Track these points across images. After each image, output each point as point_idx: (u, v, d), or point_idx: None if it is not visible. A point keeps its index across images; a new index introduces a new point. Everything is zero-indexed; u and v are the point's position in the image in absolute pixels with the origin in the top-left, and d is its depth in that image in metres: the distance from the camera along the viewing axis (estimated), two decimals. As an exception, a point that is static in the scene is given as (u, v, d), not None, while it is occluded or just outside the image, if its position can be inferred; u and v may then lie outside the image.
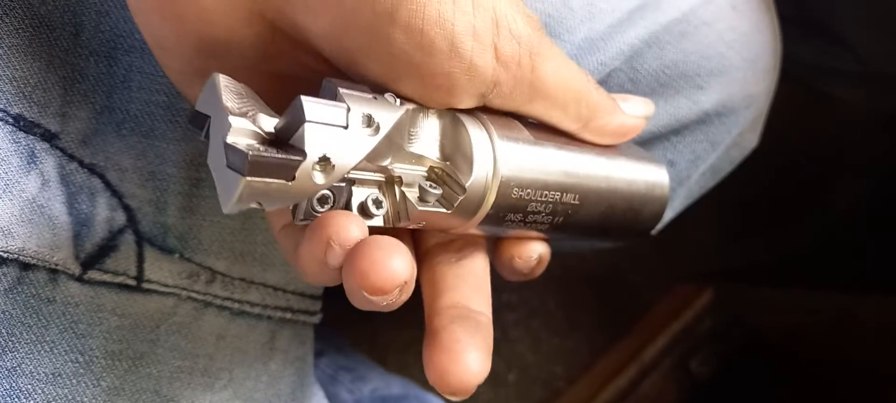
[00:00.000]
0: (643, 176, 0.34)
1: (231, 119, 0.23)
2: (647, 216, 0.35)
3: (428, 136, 0.28)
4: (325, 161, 0.24)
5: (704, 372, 1.02)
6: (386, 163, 0.27)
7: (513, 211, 0.29)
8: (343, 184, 0.26)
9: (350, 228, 0.24)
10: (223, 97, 0.24)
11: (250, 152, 0.22)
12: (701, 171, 0.50)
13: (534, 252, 0.32)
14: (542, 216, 0.31)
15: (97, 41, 0.32)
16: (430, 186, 0.28)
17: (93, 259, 0.32)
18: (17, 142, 0.30)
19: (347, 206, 0.27)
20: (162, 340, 0.34)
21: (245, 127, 0.23)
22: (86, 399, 0.32)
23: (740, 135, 0.50)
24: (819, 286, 0.95)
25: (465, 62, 0.25)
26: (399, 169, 0.27)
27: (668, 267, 1.03)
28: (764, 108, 0.52)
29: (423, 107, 0.27)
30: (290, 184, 0.23)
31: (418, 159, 0.28)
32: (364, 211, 0.27)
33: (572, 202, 0.31)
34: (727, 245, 1.00)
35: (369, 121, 0.25)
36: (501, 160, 0.28)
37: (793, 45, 0.54)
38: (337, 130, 0.24)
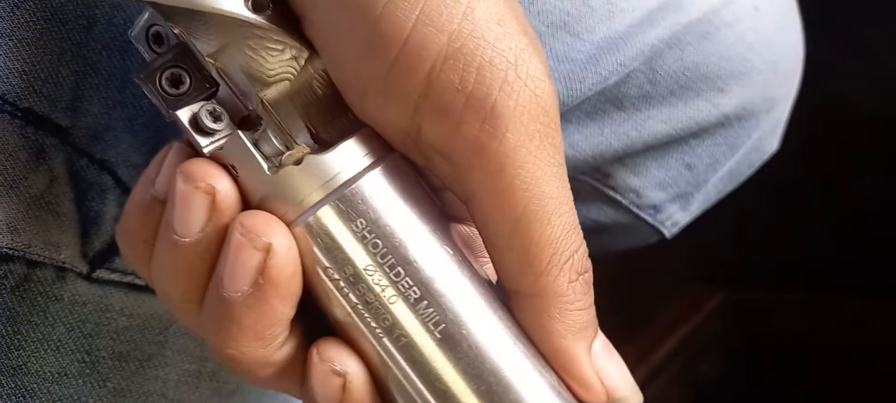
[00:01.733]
0: None
1: None
2: None
3: (324, 109, 0.24)
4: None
5: (713, 375, 1.01)
6: (259, 84, 0.23)
7: (321, 263, 0.23)
8: (206, 83, 0.23)
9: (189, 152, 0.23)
10: None
11: None
12: (719, 175, 0.49)
13: (340, 359, 0.24)
14: (356, 306, 0.23)
15: (110, 35, 0.31)
16: (273, 136, 0.23)
17: (101, 257, 0.32)
18: (26, 138, 0.30)
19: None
20: (170, 342, 0.33)
21: None
22: (91, 400, 0.32)
23: (760, 138, 0.50)
24: (830, 289, 0.95)
25: (378, 70, 0.22)
26: (266, 107, 0.24)
27: (677, 270, 1.02)
28: (785, 112, 0.51)
29: None
30: None
31: (291, 113, 0.24)
32: (195, 120, 0.23)
33: (405, 332, 0.23)
34: (737, 248, 0.99)
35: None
36: (353, 186, 0.22)
37: (808, 46, 0.53)
38: None
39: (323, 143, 0.24)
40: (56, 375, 0.31)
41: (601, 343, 0.25)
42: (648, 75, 0.42)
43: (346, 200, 0.22)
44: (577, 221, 0.23)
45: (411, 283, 0.23)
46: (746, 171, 0.52)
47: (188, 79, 0.23)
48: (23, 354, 0.30)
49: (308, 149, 0.23)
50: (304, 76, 0.24)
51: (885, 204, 0.92)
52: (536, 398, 0.24)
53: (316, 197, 0.22)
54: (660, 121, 0.43)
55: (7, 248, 0.29)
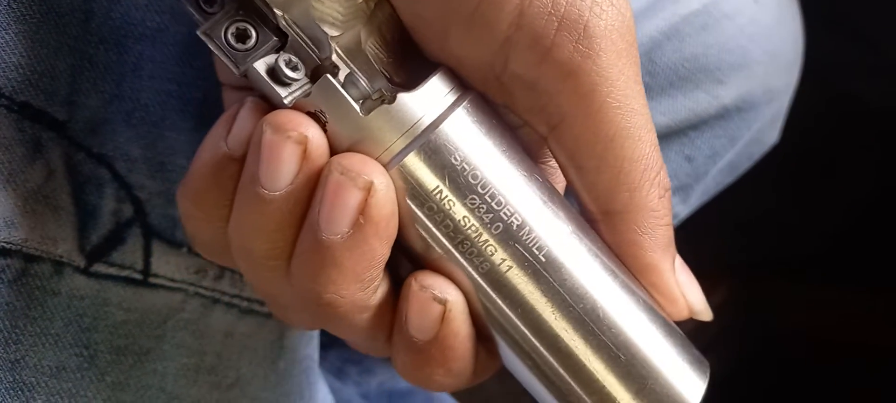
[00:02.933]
0: (659, 362, 0.24)
1: None
2: None
3: (398, 52, 0.24)
4: None
5: (718, 370, 1.01)
6: (330, 31, 0.23)
7: (411, 212, 0.23)
8: (273, 34, 0.23)
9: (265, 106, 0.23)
10: None
11: None
12: (719, 167, 0.49)
13: (442, 286, 0.23)
14: (445, 254, 0.23)
15: (107, 28, 0.31)
16: (352, 83, 0.23)
17: (99, 251, 0.31)
18: (23, 131, 0.30)
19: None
20: (168, 336, 0.33)
21: None
22: (90, 394, 0.32)
23: (760, 130, 0.49)
24: (834, 283, 0.94)
25: (466, 5, 0.21)
26: (339, 56, 0.23)
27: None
28: (785, 104, 0.51)
29: None
30: None
31: (365, 59, 0.23)
32: (273, 72, 0.23)
33: (499, 268, 0.23)
34: (742, 241, 0.99)
35: None
36: (436, 131, 0.22)
37: (815, 41, 0.53)
38: None
39: (399, 87, 0.23)
40: (54, 369, 0.31)
41: (679, 261, 0.25)
42: (647, 67, 0.42)
43: (441, 136, 0.22)
44: (656, 138, 0.23)
45: (512, 211, 0.23)
46: (746, 163, 0.52)
47: (254, 33, 0.23)
48: (21, 348, 0.30)
49: (394, 90, 0.23)
50: (374, 21, 0.24)
51: (890, 197, 0.92)
52: (633, 312, 0.24)
53: (408, 137, 0.22)
54: (659, 112, 0.43)
55: (4, 242, 0.29)
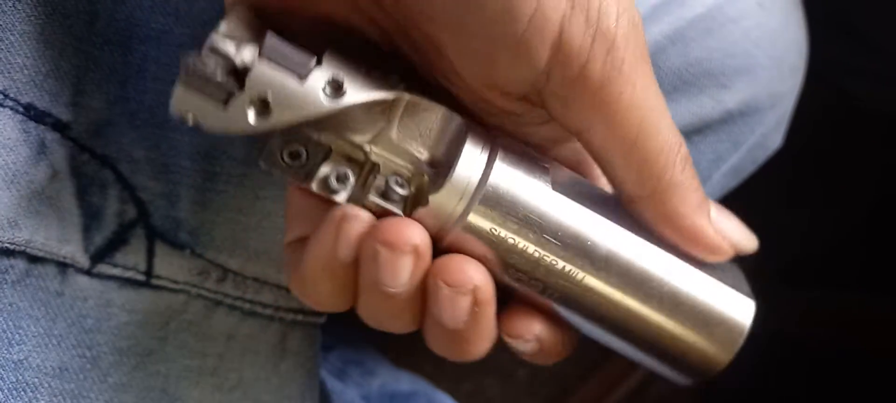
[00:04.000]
0: (709, 300, 0.27)
1: (213, 36, 0.23)
2: (695, 359, 0.27)
3: (426, 134, 0.27)
4: (263, 102, 0.23)
5: (720, 374, 1.01)
6: (362, 140, 0.26)
7: (487, 254, 0.26)
8: (319, 147, 0.26)
9: (362, 213, 0.25)
10: (225, 21, 0.24)
11: (190, 60, 0.23)
12: (722, 172, 0.49)
13: (526, 330, 0.27)
14: (527, 278, 0.26)
15: (112, 30, 0.31)
16: (397, 184, 0.26)
17: (102, 252, 0.31)
18: (27, 132, 0.30)
19: (368, 191, 0.26)
20: (171, 338, 0.33)
21: (221, 47, 0.23)
22: (92, 395, 0.32)
23: (764, 134, 0.49)
24: (836, 287, 0.94)
25: (510, 36, 0.23)
26: (377, 154, 0.26)
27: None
28: (789, 108, 0.51)
29: (432, 101, 0.26)
30: (222, 110, 0.23)
31: (399, 152, 0.26)
32: (325, 184, 0.26)
33: (575, 279, 0.26)
34: (743, 245, 0.98)
35: (336, 86, 0.24)
36: (486, 187, 0.25)
37: (817, 44, 0.53)
38: (290, 78, 0.23)
39: (435, 157, 0.26)
40: (57, 370, 0.31)
41: (716, 209, 0.28)
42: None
43: (489, 194, 0.25)
44: (670, 117, 0.26)
45: (565, 226, 0.26)
46: (750, 168, 0.52)
47: (304, 151, 0.26)
48: (24, 349, 0.30)
49: (430, 175, 0.26)
50: (395, 111, 0.26)
51: (891, 202, 0.92)
52: (682, 274, 0.27)
53: (463, 205, 0.25)
54: None
55: (8, 243, 0.29)
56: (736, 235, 0.29)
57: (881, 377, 0.89)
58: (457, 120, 0.26)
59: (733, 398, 1.01)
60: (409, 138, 0.26)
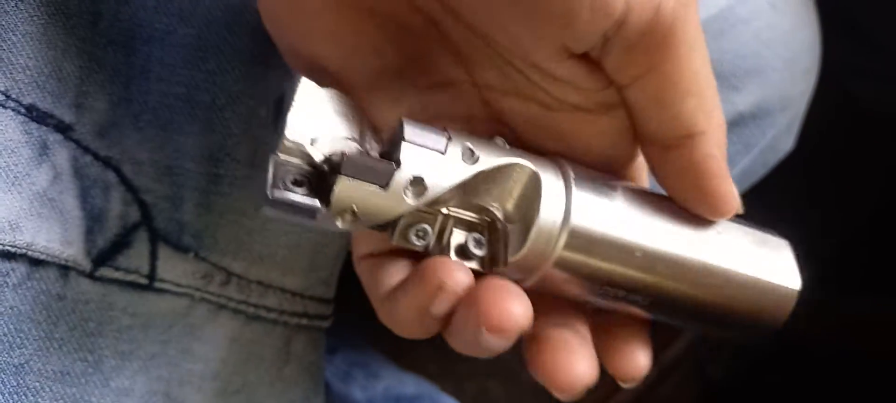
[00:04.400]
0: (761, 273, 0.29)
1: (286, 138, 0.24)
2: (767, 320, 0.30)
3: (499, 187, 0.27)
4: (418, 182, 0.25)
5: (723, 376, 1.00)
6: (480, 201, 0.27)
7: (572, 286, 0.28)
8: (439, 218, 0.27)
9: (460, 273, 0.25)
10: (292, 109, 0.25)
11: (347, 151, 0.24)
12: (733, 174, 0.48)
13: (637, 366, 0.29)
14: (613, 294, 0.28)
15: (116, 30, 0.31)
16: (476, 243, 0.27)
17: (105, 255, 0.31)
18: (29, 133, 0.29)
19: (446, 245, 0.27)
20: (174, 341, 0.33)
21: (295, 150, 0.24)
22: (94, 399, 0.31)
23: (775, 137, 0.49)
24: (839, 289, 0.94)
25: None
26: (454, 212, 0.27)
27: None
28: (800, 111, 0.51)
29: (520, 162, 0.26)
30: (383, 193, 0.24)
31: (474, 208, 0.27)
32: (405, 237, 0.27)
33: (656, 287, 0.28)
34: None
35: (470, 153, 0.25)
36: (562, 247, 0.26)
37: (826, 46, 0.52)
38: (434, 154, 0.25)
39: (509, 210, 0.27)
40: (59, 374, 0.30)
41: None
42: None
43: (574, 232, 0.26)
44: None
45: (641, 244, 0.27)
46: (761, 171, 0.52)
47: (429, 231, 0.27)
48: (25, 352, 0.30)
49: (507, 227, 0.27)
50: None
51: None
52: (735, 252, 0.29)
53: (549, 252, 0.26)
54: None
55: (9, 246, 0.28)
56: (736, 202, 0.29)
57: (884, 379, 0.89)
58: (528, 169, 0.27)
59: (736, 399, 1.01)
60: (484, 193, 0.27)
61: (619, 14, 0.23)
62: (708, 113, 0.26)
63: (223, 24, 0.32)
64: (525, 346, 0.28)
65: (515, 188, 0.27)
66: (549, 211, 0.26)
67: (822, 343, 0.96)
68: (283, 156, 0.24)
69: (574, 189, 0.27)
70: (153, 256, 0.32)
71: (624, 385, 0.29)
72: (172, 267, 0.33)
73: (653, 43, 0.24)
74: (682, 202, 0.28)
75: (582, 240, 0.26)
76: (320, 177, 0.25)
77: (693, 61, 0.25)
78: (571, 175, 0.27)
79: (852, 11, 0.67)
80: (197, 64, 0.32)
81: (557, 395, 0.27)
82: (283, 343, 0.36)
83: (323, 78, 0.26)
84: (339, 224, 0.25)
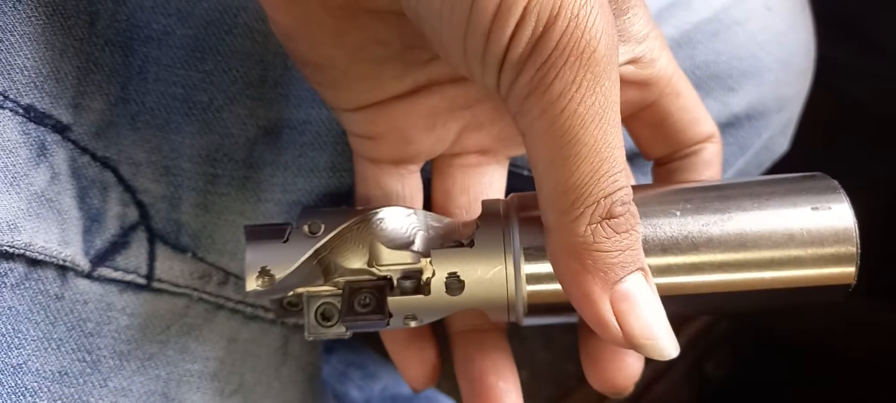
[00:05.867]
0: (815, 238, 0.28)
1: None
2: (826, 285, 0.29)
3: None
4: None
5: (720, 375, 1.00)
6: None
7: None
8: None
9: None
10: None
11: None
12: (728, 176, 0.48)
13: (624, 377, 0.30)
14: None
15: (113, 31, 0.31)
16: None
17: (103, 255, 0.31)
18: (27, 134, 0.29)
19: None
20: (172, 341, 0.33)
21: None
22: (92, 399, 0.31)
23: (770, 138, 0.49)
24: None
25: (474, 37, 0.22)
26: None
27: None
28: (796, 111, 0.51)
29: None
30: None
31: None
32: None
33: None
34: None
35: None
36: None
37: (822, 46, 0.52)
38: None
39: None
40: (57, 374, 0.30)
41: (632, 286, 0.24)
42: None
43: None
44: (614, 166, 0.23)
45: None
46: (756, 172, 0.52)
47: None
48: (23, 353, 0.30)
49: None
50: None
51: (894, 205, 0.91)
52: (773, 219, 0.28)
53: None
54: None
55: (7, 246, 0.28)
56: (635, 328, 0.24)
57: (883, 379, 0.89)
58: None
59: (733, 397, 1.01)
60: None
61: (493, 75, 0.23)
62: (560, 211, 0.23)
63: (220, 25, 0.32)
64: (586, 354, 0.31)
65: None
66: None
67: (819, 343, 0.96)
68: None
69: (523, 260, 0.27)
70: (151, 256, 0.32)
71: (615, 397, 0.29)
72: (170, 267, 0.33)
73: (516, 102, 0.23)
74: None
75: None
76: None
77: (552, 138, 0.22)
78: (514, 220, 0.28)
79: (847, 12, 0.68)
80: (194, 64, 0.32)
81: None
82: (281, 343, 0.36)
83: (334, 76, 0.28)
84: (409, 324, 0.28)
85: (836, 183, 0.29)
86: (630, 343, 0.24)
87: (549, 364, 0.98)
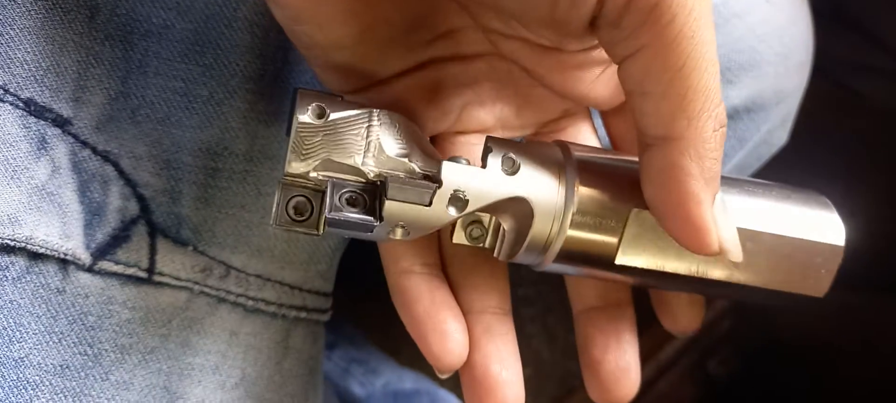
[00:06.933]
0: (804, 233, 0.29)
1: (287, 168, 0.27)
2: (812, 281, 0.30)
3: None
4: (458, 198, 0.26)
5: (722, 373, 1.01)
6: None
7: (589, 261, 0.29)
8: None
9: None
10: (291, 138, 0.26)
11: (389, 176, 0.27)
12: (727, 169, 0.48)
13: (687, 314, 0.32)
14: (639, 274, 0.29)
15: (113, 24, 0.31)
16: (470, 234, 0.30)
17: (104, 249, 0.31)
18: (28, 128, 0.29)
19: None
20: (173, 335, 0.33)
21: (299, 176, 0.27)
22: (94, 393, 0.31)
23: (769, 131, 0.49)
24: (838, 287, 0.94)
25: None
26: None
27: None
28: (795, 105, 0.51)
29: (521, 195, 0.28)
30: (428, 209, 0.26)
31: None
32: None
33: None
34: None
35: (512, 162, 0.27)
36: (575, 199, 0.27)
37: (823, 40, 0.52)
38: (474, 169, 0.27)
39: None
40: (58, 368, 0.31)
41: (720, 200, 0.27)
42: None
43: (581, 206, 0.28)
44: (719, 75, 0.24)
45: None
46: (755, 165, 0.52)
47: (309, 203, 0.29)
48: (25, 346, 0.30)
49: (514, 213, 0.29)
50: None
51: (894, 200, 0.91)
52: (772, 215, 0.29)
53: (556, 229, 0.28)
54: None
55: (8, 239, 0.28)
56: (726, 235, 0.27)
57: (883, 377, 0.89)
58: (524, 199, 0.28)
59: (735, 395, 1.01)
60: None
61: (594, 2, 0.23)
62: (689, 116, 0.24)
63: (221, 19, 0.32)
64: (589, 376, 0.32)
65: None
66: (543, 225, 0.28)
67: (822, 340, 0.96)
68: (329, 177, 0.27)
69: (575, 165, 0.27)
70: (152, 250, 0.32)
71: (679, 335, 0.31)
72: (171, 261, 0.33)
73: (636, 21, 0.23)
74: (654, 215, 0.27)
75: (589, 212, 0.27)
76: (372, 194, 0.27)
77: (677, 51, 0.23)
78: (575, 172, 0.28)
79: (846, 5, 0.68)
80: (195, 58, 0.32)
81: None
82: (282, 336, 0.36)
83: (340, 58, 0.28)
84: (392, 237, 0.27)
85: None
86: (722, 247, 0.26)
87: (552, 362, 0.99)
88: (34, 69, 0.29)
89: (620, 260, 0.28)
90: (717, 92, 0.24)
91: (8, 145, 0.29)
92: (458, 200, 0.27)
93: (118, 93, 0.31)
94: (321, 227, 0.28)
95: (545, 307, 1.01)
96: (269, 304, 0.35)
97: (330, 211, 0.26)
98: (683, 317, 0.32)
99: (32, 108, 0.29)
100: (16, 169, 0.29)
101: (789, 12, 0.47)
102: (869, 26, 0.66)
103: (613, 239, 0.28)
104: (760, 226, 0.28)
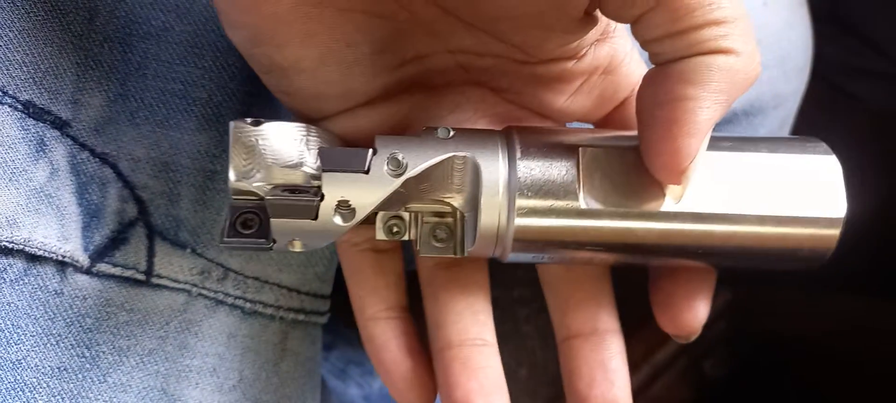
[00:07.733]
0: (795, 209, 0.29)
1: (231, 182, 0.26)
2: (806, 253, 0.30)
3: (451, 183, 0.28)
4: (344, 206, 0.26)
5: (718, 374, 1.01)
6: (433, 196, 0.29)
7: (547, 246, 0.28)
8: (408, 216, 0.30)
9: None
10: (231, 155, 0.26)
11: (267, 195, 0.26)
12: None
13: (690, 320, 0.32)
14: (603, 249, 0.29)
15: (112, 27, 0.31)
16: (434, 236, 0.30)
17: (102, 251, 0.31)
18: (26, 130, 0.29)
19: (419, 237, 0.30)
20: (171, 337, 0.33)
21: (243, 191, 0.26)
22: (91, 395, 0.31)
23: (767, 134, 0.49)
24: (834, 289, 0.94)
25: None
26: (416, 207, 0.29)
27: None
28: (793, 108, 0.51)
29: (453, 155, 0.28)
30: (315, 222, 0.26)
31: (436, 202, 0.29)
32: (391, 232, 0.30)
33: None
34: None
35: (397, 163, 0.27)
36: (518, 189, 0.27)
37: (819, 43, 0.52)
38: (356, 176, 0.26)
39: (464, 195, 0.29)
40: (56, 370, 0.31)
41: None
42: None
43: (522, 198, 0.27)
44: None
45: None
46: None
47: (257, 218, 0.28)
48: (22, 348, 0.30)
49: (466, 210, 0.29)
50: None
51: (891, 204, 0.91)
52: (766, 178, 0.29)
53: (504, 219, 0.28)
54: None
55: (7, 241, 0.28)
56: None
57: (880, 378, 0.89)
58: (463, 158, 0.28)
59: (731, 396, 1.01)
60: (428, 191, 0.29)
61: None
62: (740, 35, 0.25)
63: (219, 21, 0.32)
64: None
65: (458, 177, 0.28)
66: (492, 193, 0.27)
67: (818, 342, 0.96)
68: (235, 199, 0.26)
69: (519, 162, 0.27)
70: (150, 252, 0.32)
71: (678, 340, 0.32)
72: (169, 263, 0.33)
73: None
74: (642, 142, 0.27)
75: (532, 212, 0.27)
76: (267, 213, 0.27)
77: None
78: (518, 146, 0.27)
79: (844, 9, 0.68)
80: (193, 60, 0.32)
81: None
82: (280, 338, 0.36)
83: (301, 83, 0.28)
84: (292, 249, 0.27)
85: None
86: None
87: (548, 361, 0.99)
88: (33, 71, 0.29)
89: (583, 201, 0.27)
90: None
91: (6, 147, 0.29)
92: (346, 208, 0.27)
93: (117, 96, 0.31)
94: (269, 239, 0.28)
95: (540, 307, 1.01)
96: (267, 306, 0.35)
97: (225, 236, 0.27)
98: (684, 318, 0.32)
99: (31, 110, 0.29)
100: (14, 171, 0.29)
101: (788, 16, 0.47)
102: (864, 29, 0.67)
103: (570, 181, 0.27)
104: (752, 158, 0.28)
